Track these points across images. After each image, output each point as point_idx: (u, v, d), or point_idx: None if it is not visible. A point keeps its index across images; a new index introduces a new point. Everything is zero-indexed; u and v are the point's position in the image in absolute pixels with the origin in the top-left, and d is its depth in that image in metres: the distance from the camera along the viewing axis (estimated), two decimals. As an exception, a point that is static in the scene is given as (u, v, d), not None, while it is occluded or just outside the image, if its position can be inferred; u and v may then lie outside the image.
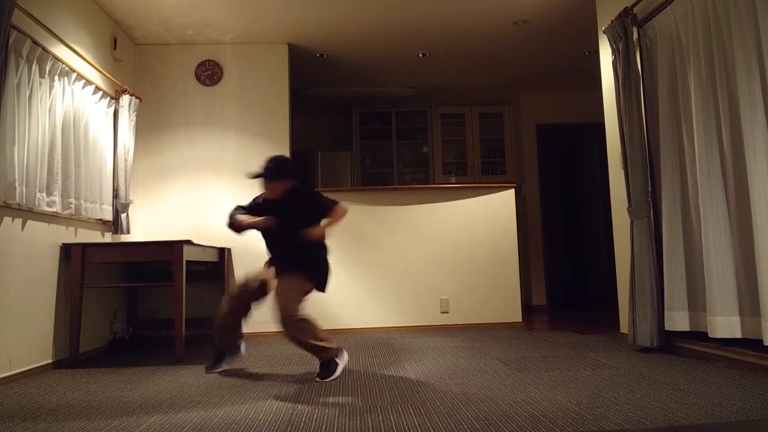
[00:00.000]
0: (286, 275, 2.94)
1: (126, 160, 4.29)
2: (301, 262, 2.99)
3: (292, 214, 2.99)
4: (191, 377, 2.98)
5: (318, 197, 3.07)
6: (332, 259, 4.81)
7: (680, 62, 3.24)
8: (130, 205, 4.39)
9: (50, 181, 3.39)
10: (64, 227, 3.62)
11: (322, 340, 2.81)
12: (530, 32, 4.95)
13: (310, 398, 2.43)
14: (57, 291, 3.49)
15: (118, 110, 4.32)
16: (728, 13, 2.82)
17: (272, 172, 2.95)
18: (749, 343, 2.81)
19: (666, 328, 3.26)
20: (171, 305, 3.54)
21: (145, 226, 4.76)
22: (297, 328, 2.75)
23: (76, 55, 3.75)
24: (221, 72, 4.98)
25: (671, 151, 3.30)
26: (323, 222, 3.00)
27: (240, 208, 3.10)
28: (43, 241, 3.38)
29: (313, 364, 3.26)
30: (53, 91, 3.46)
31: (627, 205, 3.57)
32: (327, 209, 3.00)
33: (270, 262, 3.12)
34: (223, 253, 4.66)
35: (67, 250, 3.58)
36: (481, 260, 4.97)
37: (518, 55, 5.51)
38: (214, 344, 3.16)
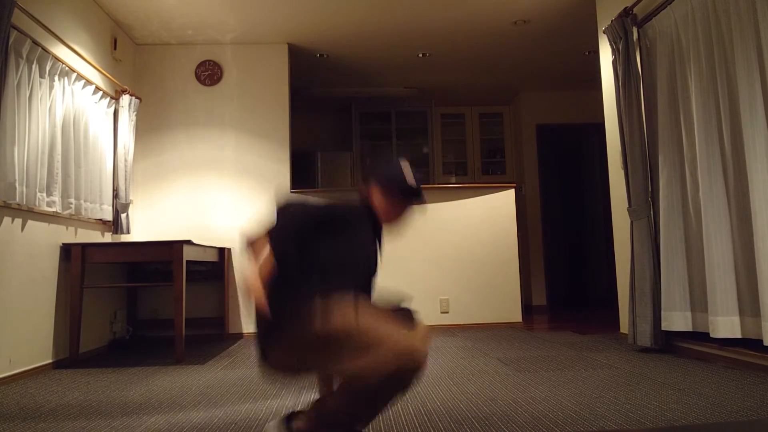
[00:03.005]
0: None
1: (126, 160, 4.29)
2: None
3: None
4: (191, 377, 2.98)
5: None
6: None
7: (680, 62, 3.24)
8: (130, 205, 4.39)
9: (50, 181, 3.39)
10: (64, 227, 3.62)
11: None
12: (530, 32, 4.95)
13: (310, 398, 2.43)
14: (57, 291, 3.49)
15: (118, 110, 4.32)
16: (728, 13, 2.82)
17: (420, 193, 1.83)
18: (749, 343, 2.81)
19: (663, 328, 3.26)
20: (171, 305, 3.53)
21: (145, 226, 4.76)
22: None
23: (76, 55, 3.75)
24: (221, 72, 4.98)
25: (671, 151, 3.30)
26: None
27: (304, 214, 1.65)
28: (43, 241, 3.38)
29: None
30: (53, 91, 3.46)
31: (627, 205, 3.57)
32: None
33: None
34: (223, 253, 4.66)
35: (67, 250, 3.58)
36: (481, 260, 4.97)
37: (518, 55, 5.50)
38: None
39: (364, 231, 1.79)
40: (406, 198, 1.80)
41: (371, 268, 1.82)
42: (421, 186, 1.89)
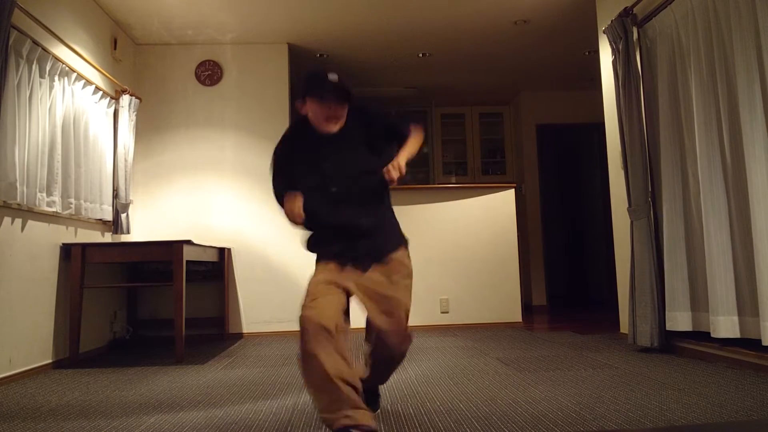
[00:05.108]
0: (381, 267, 1.91)
1: (126, 160, 4.29)
2: (390, 235, 2.07)
3: (359, 150, 1.94)
4: (191, 377, 2.98)
5: (379, 115, 2.01)
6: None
7: (680, 62, 3.24)
8: (130, 205, 4.39)
9: (50, 181, 3.39)
10: (64, 227, 3.62)
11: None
12: (530, 32, 4.95)
13: (310, 398, 2.42)
14: (57, 291, 3.49)
15: (118, 110, 4.32)
16: (728, 13, 2.82)
17: (341, 89, 1.83)
18: (749, 343, 2.81)
19: (667, 328, 3.26)
20: (171, 305, 3.53)
21: (145, 226, 4.76)
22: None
23: (76, 55, 3.75)
24: (221, 72, 4.98)
25: (671, 151, 3.30)
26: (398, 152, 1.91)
27: (279, 169, 2.00)
28: (44, 241, 3.37)
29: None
30: (53, 91, 3.46)
31: (627, 205, 3.57)
32: (401, 133, 1.96)
33: (326, 250, 1.94)
34: (223, 253, 4.66)
35: (67, 250, 3.58)
36: (481, 260, 4.97)
37: (518, 55, 5.50)
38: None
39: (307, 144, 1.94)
40: (328, 95, 1.84)
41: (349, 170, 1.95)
42: (343, 82, 1.83)
